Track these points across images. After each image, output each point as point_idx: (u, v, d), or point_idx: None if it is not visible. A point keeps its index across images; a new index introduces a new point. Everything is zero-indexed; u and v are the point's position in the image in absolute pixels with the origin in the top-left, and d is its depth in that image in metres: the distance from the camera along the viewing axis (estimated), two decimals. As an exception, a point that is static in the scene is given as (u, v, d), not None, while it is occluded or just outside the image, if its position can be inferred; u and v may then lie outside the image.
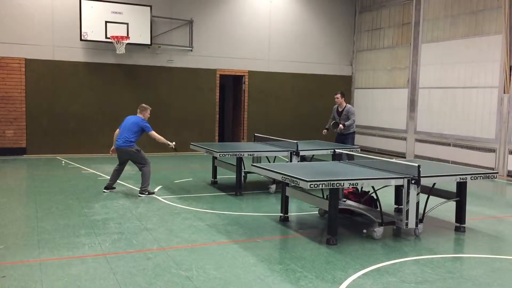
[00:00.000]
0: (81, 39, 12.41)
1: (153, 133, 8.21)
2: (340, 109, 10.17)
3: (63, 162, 11.62)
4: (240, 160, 8.35)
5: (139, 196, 7.96)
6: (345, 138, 10.02)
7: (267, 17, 14.89)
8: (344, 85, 16.13)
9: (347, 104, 10.20)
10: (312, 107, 15.63)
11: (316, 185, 5.25)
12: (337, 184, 5.42)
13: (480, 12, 11.77)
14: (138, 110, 8.36)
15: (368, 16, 15.58)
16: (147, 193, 8.04)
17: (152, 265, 4.81)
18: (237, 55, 14.56)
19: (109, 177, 9.66)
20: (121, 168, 8.39)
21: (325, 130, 10.33)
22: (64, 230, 5.96)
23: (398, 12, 14.35)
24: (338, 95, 10.20)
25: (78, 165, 11.11)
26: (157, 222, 6.41)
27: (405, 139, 14.06)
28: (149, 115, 8.39)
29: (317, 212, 7.06)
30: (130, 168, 10.96)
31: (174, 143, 8.25)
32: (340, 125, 9.83)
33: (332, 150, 8.78)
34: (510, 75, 11.00)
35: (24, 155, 12.31)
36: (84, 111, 12.98)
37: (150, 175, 8.16)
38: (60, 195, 7.99)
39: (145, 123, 8.20)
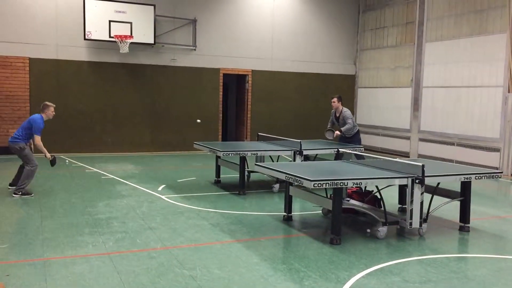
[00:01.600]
0: (85, 38, 12.43)
1: (37, 138, 7.67)
2: (337, 114, 9.75)
3: (67, 161, 11.65)
4: (243, 159, 8.35)
5: (13, 196, 7.57)
6: (350, 141, 9.61)
7: (270, 16, 14.88)
8: (347, 84, 16.12)
9: (343, 108, 9.68)
10: (315, 106, 15.62)
11: (319, 185, 5.25)
12: (341, 184, 5.41)
13: (484, 11, 11.72)
14: (41, 108, 7.87)
15: (371, 15, 15.54)
16: (20, 193, 7.61)
17: (155, 264, 4.82)
18: (240, 54, 14.56)
19: (112, 176, 9.70)
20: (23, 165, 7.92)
21: (335, 132, 9.64)
22: (68, 229, 5.97)
23: (402, 11, 14.31)
24: (335, 99, 9.71)
25: (82, 164, 11.14)
26: (160, 221, 6.42)
27: (408, 138, 14.02)
28: (53, 113, 7.91)
29: (321, 211, 7.05)
30: (133, 167, 11.02)
31: (50, 156, 7.84)
32: (336, 132, 9.48)
33: (336, 150, 8.76)
34: (514, 74, 10.95)
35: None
36: (87, 110, 13.01)
37: (32, 177, 7.78)
38: (64, 194, 8.01)
39: (37, 123, 7.65)
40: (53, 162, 8.02)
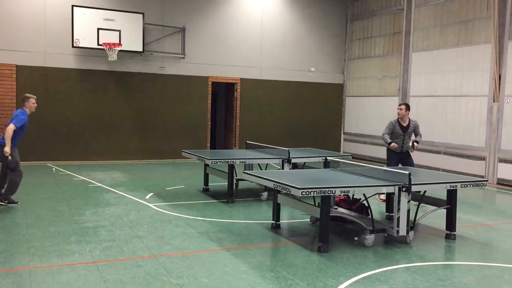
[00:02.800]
0: (73, 46, 12.39)
1: (11, 126, 7.02)
2: (404, 124, 8.51)
3: (54, 169, 11.55)
4: (232, 168, 8.35)
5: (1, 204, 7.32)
6: (406, 156, 8.61)
7: (259, 25, 14.96)
8: (335, 93, 16.24)
9: (411, 118, 8.64)
10: (304, 114, 15.70)
11: (307, 193, 5.27)
12: (329, 192, 5.44)
13: (469, 22, 11.92)
14: (22, 101, 7.41)
15: (359, 25, 15.71)
16: (6, 202, 7.39)
17: (143, 272, 4.79)
18: (229, 62, 14.61)
19: (100, 184, 9.63)
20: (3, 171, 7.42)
21: (395, 145, 8.46)
22: (54, 237, 5.92)
23: (389, 21, 14.49)
24: (403, 107, 8.51)
25: (69, 172, 11.05)
26: (148, 230, 6.39)
27: (396, 147, 14.11)
28: (34, 105, 7.40)
29: (309, 219, 7.07)
30: (121, 175, 10.96)
31: (9, 156, 7.07)
32: (415, 144, 8.44)
33: (324, 158, 8.81)
34: (499, 83, 11.13)
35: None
36: (75, 118, 12.93)
37: (17, 186, 7.46)
38: (51, 202, 7.93)
39: (19, 115, 7.14)
40: (10, 164, 7.11)
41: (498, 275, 5.10)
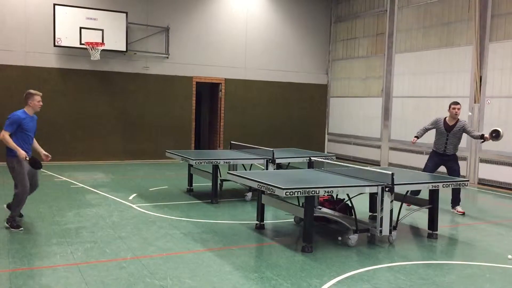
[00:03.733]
0: (54, 45, 12.22)
1: (3, 133, 6.10)
2: (451, 123, 7.99)
3: (35, 169, 11.38)
4: (216, 168, 8.33)
5: (5, 225, 6.22)
6: (450, 159, 8.05)
7: (244, 25, 14.95)
8: (319, 94, 16.31)
9: (460, 119, 8.06)
10: (288, 115, 15.73)
11: (291, 193, 5.28)
12: (313, 192, 5.45)
13: (451, 24, 12.07)
14: (24, 99, 6.41)
15: (343, 26, 15.80)
16: (9, 224, 6.18)
17: (125, 274, 4.74)
18: (213, 62, 14.57)
19: (82, 185, 9.52)
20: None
21: (415, 138, 8.40)
22: (35, 239, 5.83)
23: (373, 22, 14.60)
24: (460, 106, 7.97)
25: (50, 173, 10.89)
26: (131, 231, 6.33)
27: (379, 147, 14.25)
28: (40, 104, 6.44)
29: (293, 219, 7.08)
30: (104, 176, 10.85)
31: (26, 158, 6.13)
32: (486, 137, 7.74)
33: (308, 158, 8.84)
34: (480, 85, 11.29)
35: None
36: (57, 118, 12.76)
37: (23, 203, 6.26)
38: (31, 203, 7.80)
39: (9, 117, 6.16)
40: (35, 164, 6.28)
41: (479, 274, 5.16)
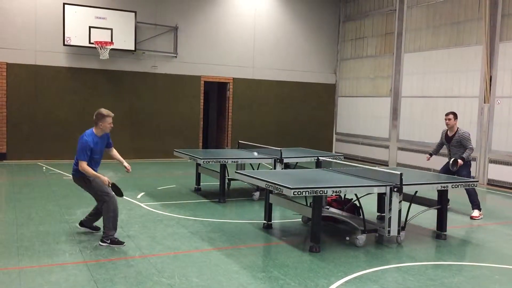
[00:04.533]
0: (64, 44, 12.30)
1: (80, 163, 5.62)
2: (450, 134, 8.05)
3: (44, 168, 11.46)
4: (224, 167, 8.34)
5: (100, 245, 5.57)
6: (459, 170, 7.78)
7: (252, 25, 14.95)
8: (328, 93, 16.27)
9: (460, 128, 8.03)
10: (296, 114, 15.71)
11: (299, 193, 5.27)
12: (321, 192, 5.44)
13: (461, 23, 11.99)
14: (95, 120, 5.89)
15: (352, 25, 15.75)
16: (109, 241, 5.58)
17: (134, 272, 4.76)
18: (221, 62, 14.58)
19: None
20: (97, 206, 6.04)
21: (429, 156, 8.50)
22: (44, 237, 5.87)
23: (381, 22, 14.54)
24: (450, 116, 7.93)
25: (59, 171, 10.97)
26: (139, 229, 6.36)
27: (387, 147, 14.19)
28: (110, 126, 5.97)
29: (300, 219, 7.07)
30: (112, 175, 10.87)
31: (108, 182, 5.64)
32: (459, 161, 7.64)
33: (316, 158, 8.82)
34: (490, 85, 11.21)
35: (4, 161, 12.11)
36: (66, 116, 12.84)
37: (116, 214, 5.68)
38: (41, 201, 7.87)
39: (80, 142, 5.66)
40: (116, 192, 5.76)
41: (488, 275, 5.13)
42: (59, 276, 4.59)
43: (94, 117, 5.88)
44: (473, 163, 11.41)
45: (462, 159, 7.72)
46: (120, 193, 5.75)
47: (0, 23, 12.06)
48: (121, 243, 5.60)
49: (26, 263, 4.93)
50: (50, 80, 12.65)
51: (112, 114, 5.98)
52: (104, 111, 5.92)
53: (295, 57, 15.63)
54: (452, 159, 7.76)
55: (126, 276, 4.66)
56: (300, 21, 15.61)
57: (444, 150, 8.42)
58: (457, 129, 8.02)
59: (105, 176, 5.60)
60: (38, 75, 12.52)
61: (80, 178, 5.78)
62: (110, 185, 5.63)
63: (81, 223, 6.18)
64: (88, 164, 5.65)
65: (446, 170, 8.03)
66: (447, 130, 8.15)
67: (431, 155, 8.48)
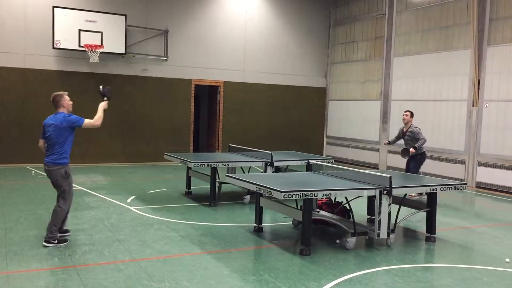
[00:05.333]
0: (53, 47, 12.23)
1: (88, 121, 6.09)
2: (405, 129, 9.46)
3: (33, 172, 11.37)
4: (214, 171, 8.33)
5: (45, 245, 5.56)
6: (411, 159, 9.40)
7: (243, 28, 14.98)
8: (318, 97, 16.33)
9: (413, 124, 9.41)
10: (286, 118, 15.75)
11: (290, 196, 5.28)
12: (311, 195, 5.46)
13: (450, 28, 12.11)
14: (55, 104, 6.09)
15: (342, 29, 15.84)
16: (56, 242, 5.61)
17: (123, 277, 4.74)
18: (212, 65, 14.59)
19: (80, 187, 9.51)
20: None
21: (387, 142, 9.94)
22: (33, 241, 5.82)
23: (371, 26, 14.64)
24: (408, 113, 9.44)
25: (48, 175, 10.88)
26: (129, 233, 6.33)
27: (378, 150, 14.27)
28: (71, 102, 6.21)
29: (291, 222, 7.09)
30: (102, 178, 10.84)
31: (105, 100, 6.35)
32: (411, 150, 9.06)
33: (306, 161, 8.85)
34: (478, 88, 11.32)
35: (-7, 165, 12.01)
36: (56, 120, 12.73)
37: (62, 218, 5.78)
38: (30, 205, 7.80)
39: (72, 116, 6.02)
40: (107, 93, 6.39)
41: (477, 277, 5.17)
42: (48, 281, 4.56)
43: (53, 102, 6.08)
44: (462, 166, 11.57)
45: (414, 148, 9.08)
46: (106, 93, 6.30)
47: (-11, 26, 11.97)
48: (66, 241, 5.74)
49: (14, 268, 4.89)
50: (40, 83, 12.57)
51: (66, 92, 6.18)
52: (59, 92, 6.17)
53: (286, 61, 15.68)
54: (402, 148, 9.34)
55: (116, 280, 4.63)
56: (290, 25, 15.67)
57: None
58: (410, 125, 9.41)
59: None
60: (27, 79, 12.44)
61: (61, 169, 5.83)
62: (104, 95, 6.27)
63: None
64: (69, 152, 6.01)
65: (408, 162, 9.44)
66: (403, 126, 9.54)
67: (389, 142, 9.93)
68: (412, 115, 9.47)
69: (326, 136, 16.43)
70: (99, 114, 6.13)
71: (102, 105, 6.23)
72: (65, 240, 5.76)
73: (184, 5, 14.10)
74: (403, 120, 9.50)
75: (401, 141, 9.76)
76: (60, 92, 6.15)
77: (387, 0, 13.97)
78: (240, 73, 15.04)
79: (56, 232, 5.71)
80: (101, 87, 6.43)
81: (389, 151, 13.80)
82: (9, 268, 4.88)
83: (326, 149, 16.40)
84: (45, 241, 5.62)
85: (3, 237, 5.95)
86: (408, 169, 9.44)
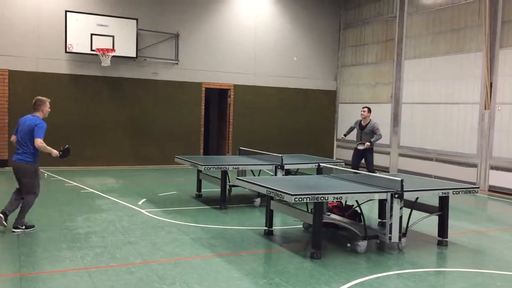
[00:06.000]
0: (66, 51, 12.36)
1: (39, 143, 6.29)
2: (363, 123, 10.36)
3: (46, 174, 11.46)
4: (224, 174, 8.34)
5: (13, 232, 6.25)
6: (365, 152, 10.21)
7: (253, 31, 15.01)
8: (328, 100, 16.30)
9: (372, 119, 10.36)
10: (297, 121, 15.73)
11: (300, 199, 5.27)
12: (322, 198, 5.45)
13: (461, 30, 12.03)
14: (35, 107, 6.52)
15: (352, 32, 15.81)
16: (24, 227, 6.34)
17: (135, 279, 4.76)
18: (222, 68, 14.63)
19: (92, 190, 9.58)
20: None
21: (343, 136, 10.92)
22: (45, 243, 5.87)
23: (382, 28, 14.59)
24: (365, 109, 10.38)
25: (61, 178, 10.98)
26: (140, 236, 6.36)
27: (388, 153, 14.19)
28: (49, 110, 6.66)
29: (301, 225, 7.07)
30: (113, 181, 10.91)
31: (58, 152, 6.60)
32: (367, 143, 10.08)
33: (317, 164, 8.82)
34: (491, 91, 11.23)
35: (6, 167, 12.12)
36: (68, 123, 12.87)
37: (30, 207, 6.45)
38: (42, 208, 7.87)
39: (39, 124, 6.35)
40: (65, 152, 6.70)
41: (490, 282, 5.12)
42: (60, 283, 4.59)
43: (34, 104, 6.53)
44: (474, 170, 11.46)
45: (370, 142, 10.02)
46: (68, 153, 6.70)
47: (3, 31, 12.13)
48: (32, 226, 6.40)
49: (27, 270, 4.93)
50: (52, 87, 12.69)
51: (49, 99, 6.68)
52: (43, 97, 6.62)
53: (296, 64, 15.68)
54: (359, 143, 10.26)
55: (127, 283, 4.65)
56: (300, 28, 15.67)
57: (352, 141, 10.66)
58: (370, 120, 10.31)
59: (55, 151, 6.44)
60: (40, 82, 12.57)
61: (30, 165, 6.37)
62: (61, 151, 6.58)
63: (3, 211, 6.40)
64: (38, 152, 6.42)
65: (358, 158, 10.37)
66: (361, 120, 10.41)
67: (345, 135, 10.81)
68: (369, 110, 10.35)
69: (336, 139, 16.38)
70: (49, 149, 6.43)
71: (54, 151, 6.52)
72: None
73: (194, 9, 14.17)
74: (361, 115, 10.38)
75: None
76: (44, 98, 6.63)
77: (397, 3, 13.92)
78: (250, 76, 15.06)
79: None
80: (65, 147, 6.82)
81: (400, 155, 13.72)
82: (22, 270, 4.92)
83: (336, 152, 16.35)
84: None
85: (16, 239, 6.01)
86: (355, 164, 10.39)
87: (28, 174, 6.40)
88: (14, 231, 6.26)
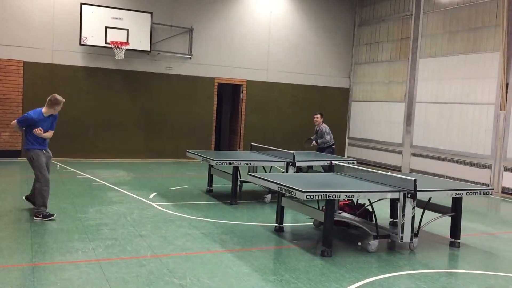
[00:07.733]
0: (80, 44, 12.43)
1: (14, 121, 6.78)
2: (317, 128, 10.96)
3: (58, 166, 11.56)
4: (236, 169, 8.34)
5: (34, 219, 6.52)
6: (321, 151, 10.76)
7: (267, 28, 14.96)
8: (341, 97, 16.21)
9: (323, 124, 10.89)
10: (309, 118, 15.55)
11: (312, 196, 5.25)
12: (333, 196, 5.42)
13: (478, 29, 11.88)
14: (52, 103, 6.84)
15: (367, 30, 15.69)
16: (41, 216, 6.52)
17: (145, 272, 4.78)
18: (236, 64, 14.61)
19: (104, 182, 9.64)
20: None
21: (314, 143, 11.11)
22: (57, 234, 5.92)
23: (397, 26, 14.46)
24: (318, 116, 10.95)
25: (73, 170, 11.07)
26: (151, 229, 6.38)
27: (401, 152, 14.09)
28: (59, 109, 6.97)
29: (312, 223, 7.05)
30: (125, 174, 10.96)
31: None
32: (313, 142, 10.90)
33: (329, 162, 8.78)
34: (506, 92, 11.08)
35: (19, 158, 12.25)
36: (81, 115, 12.95)
37: (47, 196, 6.64)
38: (54, 199, 7.93)
39: (26, 115, 6.65)
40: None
41: (502, 284, 5.06)
42: (72, 274, 4.63)
43: (49, 100, 6.80)
44: (488, 171, 11.33)
45: (317, 142, 10.77)
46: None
47: (18, 22, 12.22)
48: (52, 215, 6.57)
49: (39, 260, 4.98)
50: (66, 79, 12.79)
51: (63, 100, 6.97)
52: (61, 98, 6.91)
53: (309, 61, 15.60)
54: (306, 139, 11.13)
55: (138, 275, 4.67)
56: (315, 25, 15.59)
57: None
58: (322, 125, 10.83)
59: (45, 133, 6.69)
60: (55, 74, 12.66)
61: (27, 152, 6.68)
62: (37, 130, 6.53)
63: (27, 198, 7.09)
64: (35, 139, 6.65)
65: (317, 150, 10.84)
66: (316, 125, 10.97)
67: (312, 140, 11.08)
68: (322, 116, 10.91)
69: (348, 137, 16.30)
70: (15, 125, 6.76)
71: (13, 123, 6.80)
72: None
73: (209, 3, 14.15)
74: (315, 122, 10.93)
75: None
76: (61, 99, 6.94)
77: (414, 1, 13.78)
78: (263, 72, 15.03)
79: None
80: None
81: (413, 154, 13.62)
82: (34, 260, 4.96)
83: (348, 150, 16.27)
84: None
85: (28, 230, 6.07)
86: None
87: (28, 160, 6.75)
88: (34, 219, 6.53)
